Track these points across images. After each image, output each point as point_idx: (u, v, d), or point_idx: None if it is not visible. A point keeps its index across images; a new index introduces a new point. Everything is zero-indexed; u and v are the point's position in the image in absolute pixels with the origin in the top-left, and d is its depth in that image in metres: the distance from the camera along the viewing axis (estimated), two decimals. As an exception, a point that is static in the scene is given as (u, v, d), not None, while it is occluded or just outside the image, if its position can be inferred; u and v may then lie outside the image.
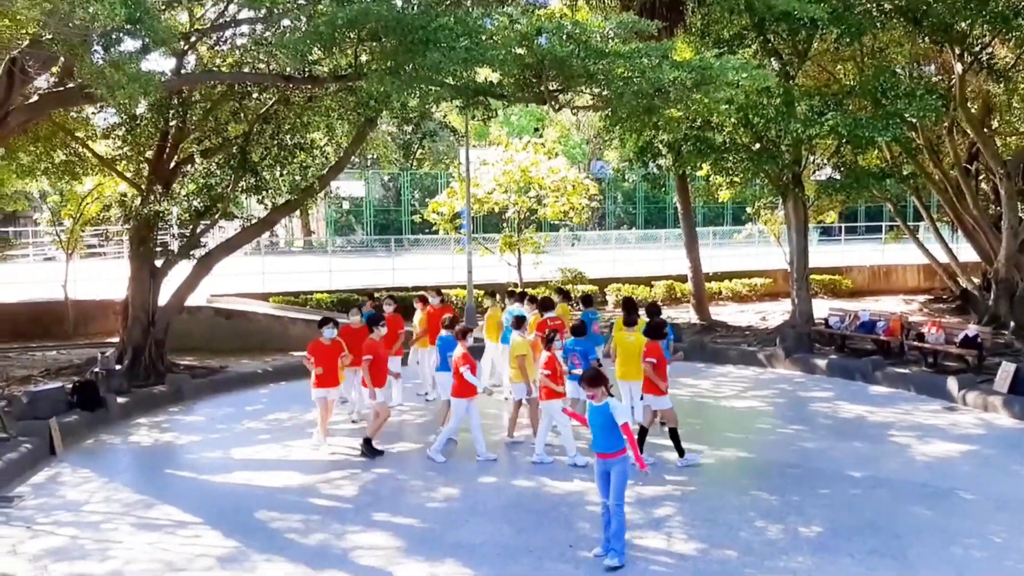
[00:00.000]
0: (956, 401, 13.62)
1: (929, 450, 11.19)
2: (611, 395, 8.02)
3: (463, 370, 10.68)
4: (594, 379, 7.91)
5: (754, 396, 14.60)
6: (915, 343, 16.31)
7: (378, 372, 11.13)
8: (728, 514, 8.97)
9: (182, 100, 15.04)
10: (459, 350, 10.88)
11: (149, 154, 16.01)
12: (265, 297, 21.61)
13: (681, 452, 10.55)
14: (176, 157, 15.83)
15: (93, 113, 16.21)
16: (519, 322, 11.82)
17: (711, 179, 20.84)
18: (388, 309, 13.76)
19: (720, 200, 23.50)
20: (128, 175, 16.39)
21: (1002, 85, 18.73)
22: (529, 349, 11.52)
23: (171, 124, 15.27)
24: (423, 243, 34.40)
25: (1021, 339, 18.04)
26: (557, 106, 13.64)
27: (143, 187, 15.72)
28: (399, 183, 47.28)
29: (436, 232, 26.30)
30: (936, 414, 13.10)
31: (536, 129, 45.75)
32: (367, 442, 11.21)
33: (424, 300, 14.59)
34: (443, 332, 12.00)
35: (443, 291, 16.67)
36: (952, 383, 13.87)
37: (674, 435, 10.58)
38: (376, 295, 16.36)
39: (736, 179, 19.52)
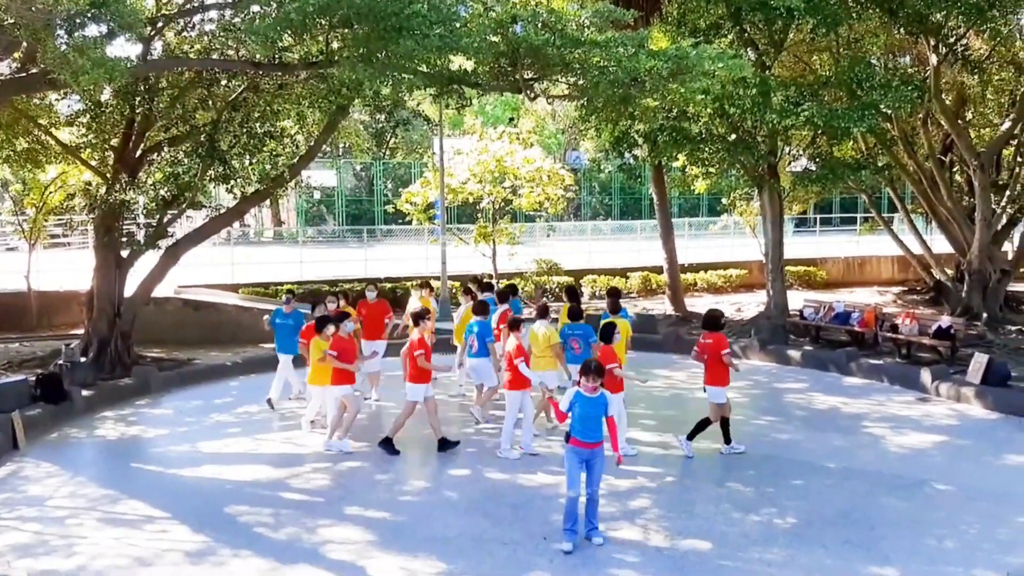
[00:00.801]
0: (929, 392, 13.69)
1: (902, 441, 11.25)
2: (603, 387, 8.00)
3: (518, 362, 10.50)
4: (600, 370, 7.91)
5: (729, 387, 14.52)
6: (889, 334, 16.40)
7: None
8: (703, 506, 8.96)
9: (148, 87, 14.72)
10: (512, 342, 10.68)
11: (115, 142, 15.69)
12: (234, 288, 21.33)
13: (727, 439, 10.68)
14: (142, 145, 15.55)
15: (57, 100, 15.84)
16: (544, 310, 11.76)
17: (687, 170, 20.83)
18: (331, 307, 13.29)
19: (696, 191, 23.48)
20: (93, 163, 16.09)
21: (976, 77, 18.89)
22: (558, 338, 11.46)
23: (137, 111, 14.95)
24: (396, 234, 34.21)
25: (993, 330, 18.22)
26: (532, 95, 13.53)
27: (108, 175, 15.42)
28: (372, 173, 46.89)
29: (409, 222, 26.10)
30: (909, 405, 13.17)
31: (511, 119, 45.59)
32: (387, 440, 10.92)
33: (346, 296, 14.21)
34: (476, 318, 12.00)
35: (380, 285, 16.06)
36: (925, 374, 13.94)
37: (703, 425, 10.68)
38: (295, 290, 15.96)
39: (712, 170, 19.50)
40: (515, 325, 10.92)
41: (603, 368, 8.07)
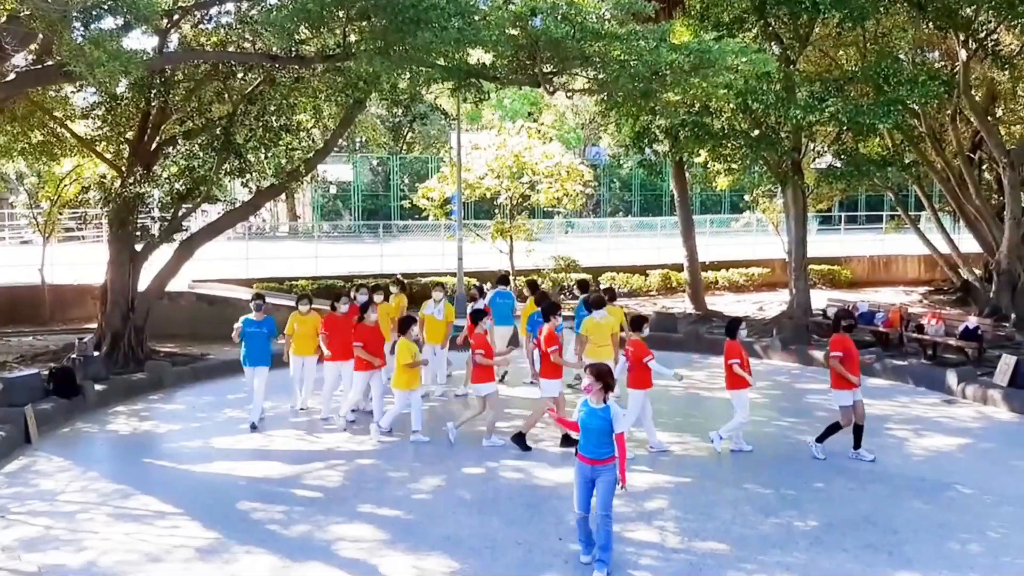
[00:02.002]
0: (955, 394, 13.42)
1: (927, 444, 11.02)
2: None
3: (646, 361, 10.28)
4: (601, 373, 7.30)
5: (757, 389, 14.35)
6: (914, 335, 16.14)
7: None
8: (722, 507, 8.78)
9: (164, 80, 14.70)
10: (638, 342, 10.39)
11: (130, 135, 15.71)
12: (249, 283, 21.25)
13: (821, 439, 10.35)
14: (158, 138, 15.54)
15: (72, 92, 15.92)
16: (599, 302, 11.65)
17: (709, 166, 20.63)
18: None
19: (718, 187, 23.26)
20: (108, 156, 16.08)
21: (1007, 72, 18.55)
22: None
23: (153, 104, 14.96)
24: (412, 229, 34.12)
25: (1022, 332, 17.86)
26: (551, 89, 13.44)
27: (123, 169, 15.43)
28: (388, 167, 46.83)
29: (426, 218, 25.98)
30: (935, 407, 12.92)
31: (530, 113, 45.37)
32: (519, 436, 10.72)
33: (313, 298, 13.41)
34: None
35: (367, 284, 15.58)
36: (951, 376, 13.66)
37: (833, 429, 10.32)
38: (260, 293, 15.44)
39: (734, 166, 19.29)
40: (638, 324, 10.45)
41: (600, 369, 7.39)
